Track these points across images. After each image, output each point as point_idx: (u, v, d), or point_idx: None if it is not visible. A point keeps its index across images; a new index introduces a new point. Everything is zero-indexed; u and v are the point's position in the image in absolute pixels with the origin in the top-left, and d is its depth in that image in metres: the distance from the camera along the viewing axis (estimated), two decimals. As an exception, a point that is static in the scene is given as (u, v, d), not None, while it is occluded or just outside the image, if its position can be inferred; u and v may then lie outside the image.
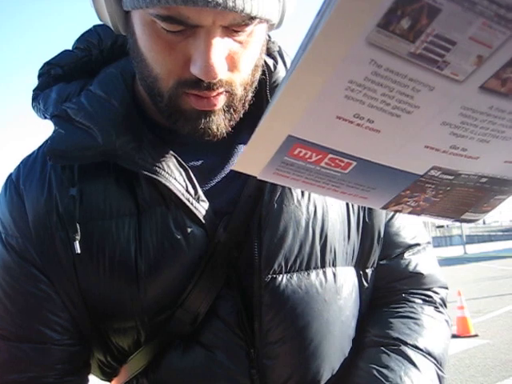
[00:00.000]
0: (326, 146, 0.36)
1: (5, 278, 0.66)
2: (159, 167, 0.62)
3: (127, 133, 0.63)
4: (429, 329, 0.71)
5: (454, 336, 5.95)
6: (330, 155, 0.37)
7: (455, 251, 31.18)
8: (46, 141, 0.69)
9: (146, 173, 0.62)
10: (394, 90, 0.31)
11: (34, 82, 0.74)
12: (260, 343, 0.63)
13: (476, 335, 5.89)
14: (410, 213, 0.45)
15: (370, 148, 0.36)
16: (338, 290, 0.67)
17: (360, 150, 0.36)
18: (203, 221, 0.63)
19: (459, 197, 0.43)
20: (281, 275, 0.64)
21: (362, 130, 0.34)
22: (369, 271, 0.74)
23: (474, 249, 31.43)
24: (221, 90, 0.57)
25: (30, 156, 0.71)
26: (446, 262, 20.87)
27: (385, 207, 0.44)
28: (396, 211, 0.45)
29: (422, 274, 0.76)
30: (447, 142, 0.36)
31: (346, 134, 0.34)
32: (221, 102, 0.59)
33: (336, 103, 0.32)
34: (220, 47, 0.54)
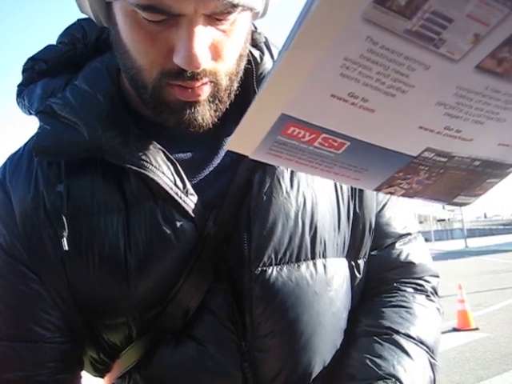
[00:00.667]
0: (320, 125, 0.35)
1: None
2: (146, 161, 0.62)
3: (113, 127, 0.63)
4: (420, 317, 0.71)
5: (454, 329, 5.98)
6: (324, 135, 0.36)
7: (456, 245, 31.23)
8: (32, 137, 0.68)
9: (133, 167, 0.61)
10: (390, 68, 0.30)
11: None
12: (251, 336, 0.63)
13: (476, 328, 5.91)
14: (402, 195, 0.45)
15: (364, 128, 0.36)
16: (328, 282, 0.67)
17: (354, 129, 0.36)
18: (192, 214, 0.62)
19: (452, 180, 0.43)
20: (271, 267, 0.63)
21: (356, 109, 0.33)
22: (360, 262, 0.73)
23: (475, 242, 31.47)
24: (205, 80, 0.57)
25: (15, 153, 0.70)
26: (447, 255, 20.90)
27: (377, 189, 0.44)
28: (389, 193, 0.45)
29: (413, 263, 0.76)
30: (442, 122, 0.35)
31: (340, 112, 0.34)
32: (205, 92, 0.58)
33: (330, 81, 0.31)
34: (203, 36, 0.53)
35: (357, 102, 0.33)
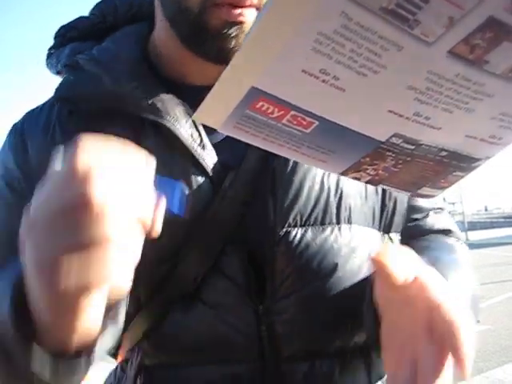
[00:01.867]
0: (289, 100, 0.35)
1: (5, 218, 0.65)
2: (166, 113, 0.62)
3: (135, 79, 0.64)
4: (461, 254, 0.70)
5: (454, 322, 5.99)
6: (293, 112, 0.36)
7: (457, 238, 31.17)
8: (55, 93, 0.70)
9: (151, 117, 0.61)
10: (363, 46, 0.30)
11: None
12: (270, 298, 0.61)
13: (477, 321, 5.90)
14: (368, 182, 0.45)
15: (334, 107, 0.35)
16: (354, 249, 0.65)
17: (323, 108, 0.35)
18: (210, 172, 0.62)
19: (418, 169, 0.43)
20: (295, 229, 0.62)
21: (326, 87, 0.33)
22: (393, 235, 0.72)
23: (476, 235, 31.46)
24: (254, 0, 0.57)
25: (36, 107, 0.72)
26: (447, 248, 20.87)
27: (343, 173, 0.44)
28: (355, 178, 0.44)
29: (449, 230, 0.76)
30: (411, 108, 0.35)
31: (311, 90, 0.33)
32: (250, 16, 0.58)
33: (303, 56, 0.31)
34: None
35: (328, 80, 0.32)
